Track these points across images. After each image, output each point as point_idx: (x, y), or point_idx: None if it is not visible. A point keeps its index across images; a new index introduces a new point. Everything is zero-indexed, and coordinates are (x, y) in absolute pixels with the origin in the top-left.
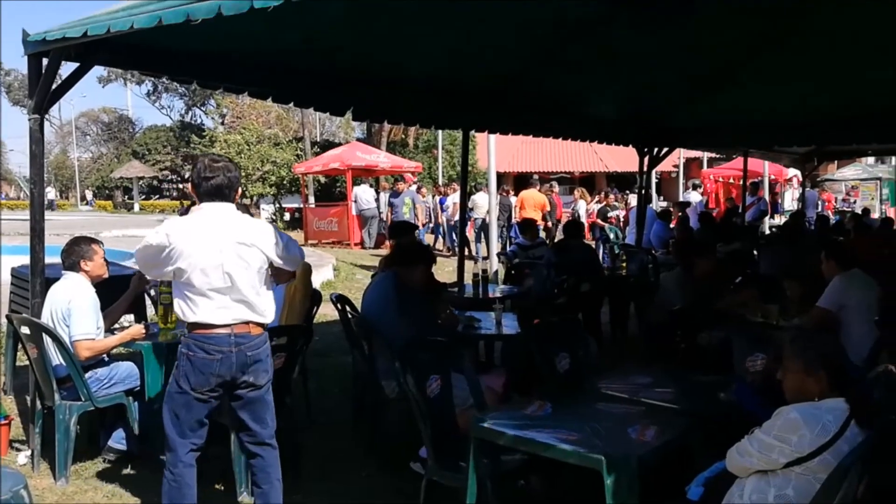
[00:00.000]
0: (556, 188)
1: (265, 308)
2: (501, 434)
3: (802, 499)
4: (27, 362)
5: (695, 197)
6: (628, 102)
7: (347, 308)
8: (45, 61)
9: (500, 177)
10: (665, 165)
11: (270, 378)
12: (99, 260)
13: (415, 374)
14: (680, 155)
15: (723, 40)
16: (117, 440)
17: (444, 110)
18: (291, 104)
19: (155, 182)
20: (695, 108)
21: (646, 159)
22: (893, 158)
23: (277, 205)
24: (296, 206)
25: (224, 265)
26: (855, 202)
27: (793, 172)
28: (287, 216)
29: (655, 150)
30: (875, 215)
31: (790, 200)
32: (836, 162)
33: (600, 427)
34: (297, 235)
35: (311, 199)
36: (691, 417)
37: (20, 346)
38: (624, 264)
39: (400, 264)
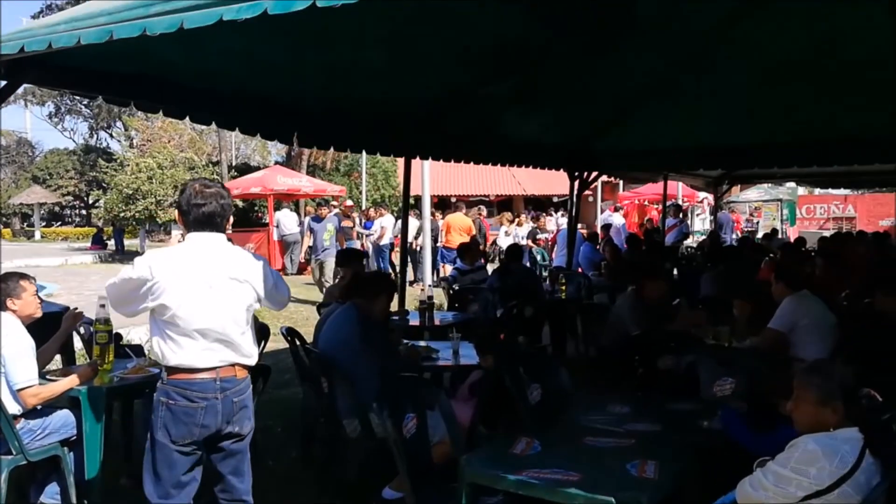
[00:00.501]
0: (484, 212)
1: (250, 349)
2: (499, 478)
3: None
4: None
5: (618, 219)
6: (561, 128)
7: (297, 341)
8: None
9: (420, 201)
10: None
11: (253, 426)
12: (29, 298)
13: (393, 413)
14: (598, 179)
15: (648, 66)
16: (51, 496)
17: (388, 137)
18: (236, 130)
19: (57, 208)
20: (622, 134)
21: (576, 183)
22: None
23: None
24: None
25: (213, 303)
26: (758, 223)
27: (703, 195)
28: None
29: (585, 174)
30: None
31: (699, 222)
32: (738, 185)
33: (596, 464)
34: None
35: (229, 225)
36: (684, 448)
37: None
38: (563, 287)
39: (361, 295)
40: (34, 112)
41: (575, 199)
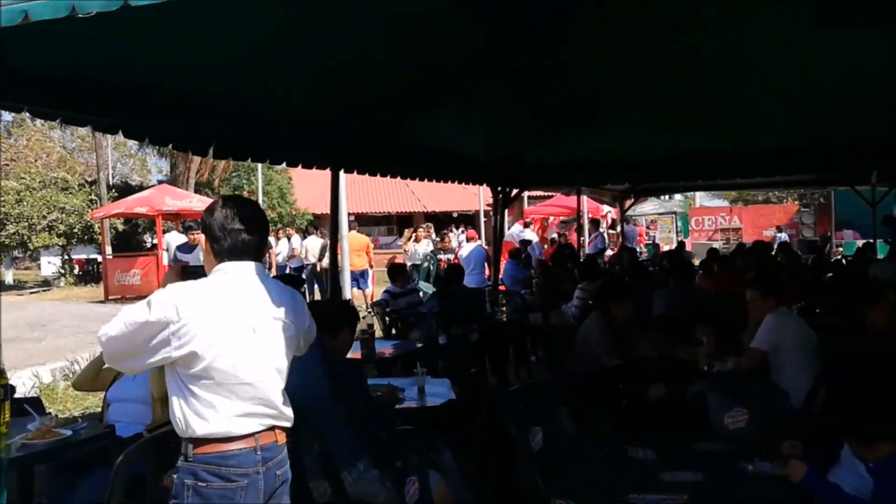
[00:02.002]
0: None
1: (288, 407)
2: None
3: None
4: None
5: (530, 235)
6: (487, 142)
7: None
8: None
9: (317, 218)
10: (480, 205)
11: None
12: None
13: (392, 475)
14: (520, 195)
15: (576, 81)
16: None
17: (312, 149)
18: (146, 141)
19: None
20: (546, 148)
21: (500, 199)
22: (678, 194)
23: (66, 256)
24: (86, 256)
25: (258, 350)
26: (654, 236)
27: (607, 209)
28: (77, 269)
29: (508, 189)
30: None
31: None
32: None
33: None
34: (94, 291)
35: (109, 249)
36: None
37: None
38: (504, 308)
39: (320, 330)
40: None
41: (499, 215)
